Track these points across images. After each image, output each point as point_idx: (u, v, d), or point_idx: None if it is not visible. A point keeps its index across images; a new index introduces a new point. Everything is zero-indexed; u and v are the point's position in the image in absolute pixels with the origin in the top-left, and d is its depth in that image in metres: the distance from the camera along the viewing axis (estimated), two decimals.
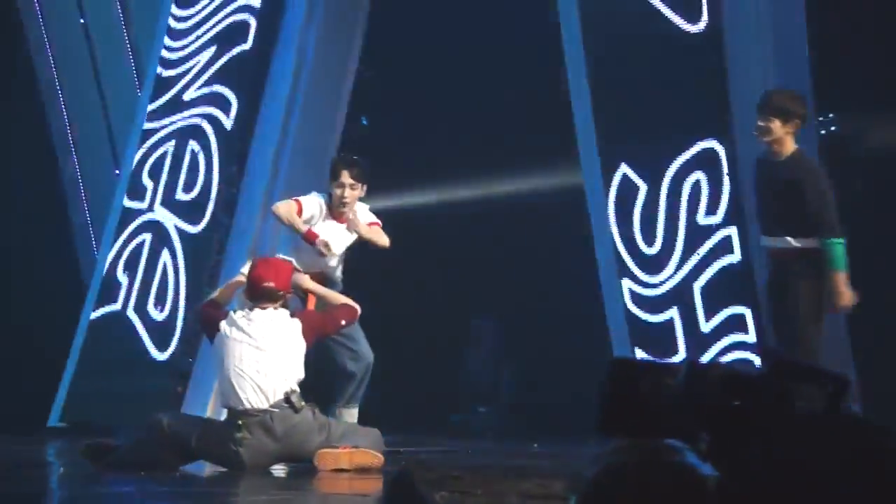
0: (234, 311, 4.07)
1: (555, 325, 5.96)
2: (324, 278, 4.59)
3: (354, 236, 4.63)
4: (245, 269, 4.19)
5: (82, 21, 5.75)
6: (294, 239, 4.66)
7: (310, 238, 4.54)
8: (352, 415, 4.56)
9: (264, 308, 4.01)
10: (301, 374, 4.01)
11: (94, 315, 5.53)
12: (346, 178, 4.56)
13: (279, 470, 3.97)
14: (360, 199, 4.66)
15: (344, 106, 5.92)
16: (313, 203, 4.62)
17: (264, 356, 3.92)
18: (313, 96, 5.72)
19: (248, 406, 3.89)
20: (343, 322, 4.27)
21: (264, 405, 3.88)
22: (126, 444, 4.09)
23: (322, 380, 4.55)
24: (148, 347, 5.48)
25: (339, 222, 4.62)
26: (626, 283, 4.98)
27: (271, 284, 4.01)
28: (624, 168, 5.03)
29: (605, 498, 1.20)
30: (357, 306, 4.33)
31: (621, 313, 4.97)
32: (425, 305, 6.11)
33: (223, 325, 4.01)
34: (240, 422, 3.87)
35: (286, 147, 5.67)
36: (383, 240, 4.64)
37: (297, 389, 3.96)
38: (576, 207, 5.32)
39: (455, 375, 6.25)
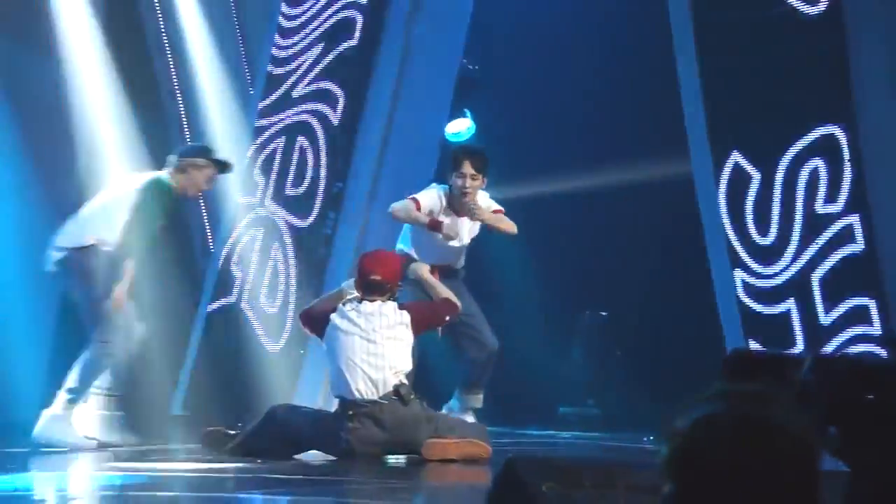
0: (345, 304, 4.18)
1: (664, 317, 5.92)
2: (449, 272, 4.68)
3: (477, 227, 4.68)
4: (346, 284, 4.29)
5: (197, 21, 5.99)
6: (417, 235, 4.76)
7: (434, 226, 4.62)
8: (477, 399, 4.63)
9: (373, 300, 4.11)
10: (409, 366, 4.10)
11: (210, 307, 5.71)
12: (467, 168, 4.62)
13: (389, 459, 4.05)
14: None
15: (448, 100, 6.00)
16: (432, 197, 4.71)
17: (375, 348, 4.03)
18: (418, 90, 5.80)
19: (358, 397, 4.00)
20: (447, 318, 4.35)
21: (374, 396, 3.99)
22: (242, 432, 4.24)
23: (427, 373, 4.65)
24: (261, 339, 5.63)
25: (459, 215, 4.69)
26: (739, 274, 4.89)
27: (378, 277, 4.11)
28: (736, 156, 4.95)
29: (698, 451, 1.10)
30: (459, 303, 4.40)
31: (734, 305, 4.88)
32: (533, 297, 6.15)
33: (334, 317, 4.14)
34: (350, 412, 3.98)
35: (391, 141, 5.76)
36: (509, 226, 4.67)
37: (406, 382, 4.05)
38: (685, 197, 5.28)
39: (563, 367, 6.27)
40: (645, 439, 5.02)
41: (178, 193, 4.85)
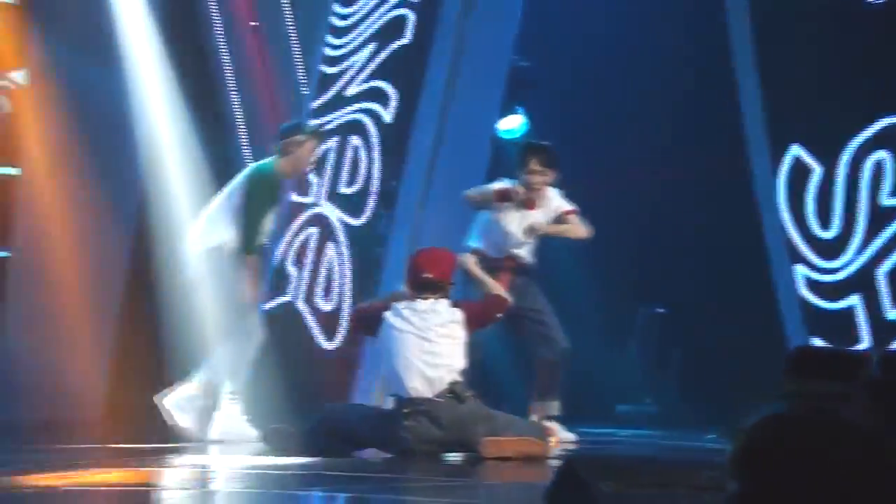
0: (399, 303, 4.18)
1: (722, 313, 5.83)
2: (517, 265, 4.66)
3: (547, 219, 4.61)
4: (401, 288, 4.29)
5: (253, 23, 6.05)
6: (486, 230, 4.75)
7: (503, 196, 4.58)
8: (552, 407, 4.59)
9: (426, 299, 4.12)
10: (464, 364, 4.07)
11: (268, 306, 5.70)
12: (534, 165, 4.63)
13: (447, 457, 4.04)
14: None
15: (500, 97, 5.96)
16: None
17: (430, 346, 4.02)
18: (470, 88, 5.78)
19: (414, 395, 4.00)
20: (498, 315, 4.33)
21: (430, 394, 3.98)
22: (302, 430, 4.27)
23: (486, 371, 4.63)
24: (317, 337, 5.65)
25: (529, 209, 4.68)
26: (801, 269, 4.81)
27: (430, 275, 4.11)
28: (796, 149, 4.86)
29: (765, 450, 1.10)
30: (508, 297, 4.37)
31: (795, 301, 4.80)
32: (591, 294, 6.10)
33: (388, 315, 4.13)
34: (406, 410, 3.96)
35: (443, 139, 5.75)
36: (577, 232, 4.63)
37: (461, 379, 4.04)
38: (744, 191, 5.18)
39: (620, 364, 6.21)
40: (705, 438, 4.94)
41: (287, 176, 4.87)
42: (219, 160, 5.33)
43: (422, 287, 4.14)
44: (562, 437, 4.57)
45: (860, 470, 1.07)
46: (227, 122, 6.17)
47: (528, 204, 4.64)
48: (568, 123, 6.28)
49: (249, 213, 4.63)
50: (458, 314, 4.11)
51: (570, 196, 5.01)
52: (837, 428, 1.09)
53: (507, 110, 6.33)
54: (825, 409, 1.12)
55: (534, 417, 4.57)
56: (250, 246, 4.66)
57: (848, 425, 1.10)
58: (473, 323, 4.17)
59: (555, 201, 4.70)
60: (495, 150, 5.93)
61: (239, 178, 4.87)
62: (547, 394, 4.56)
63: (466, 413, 3.97)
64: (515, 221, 4.71)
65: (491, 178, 5.23)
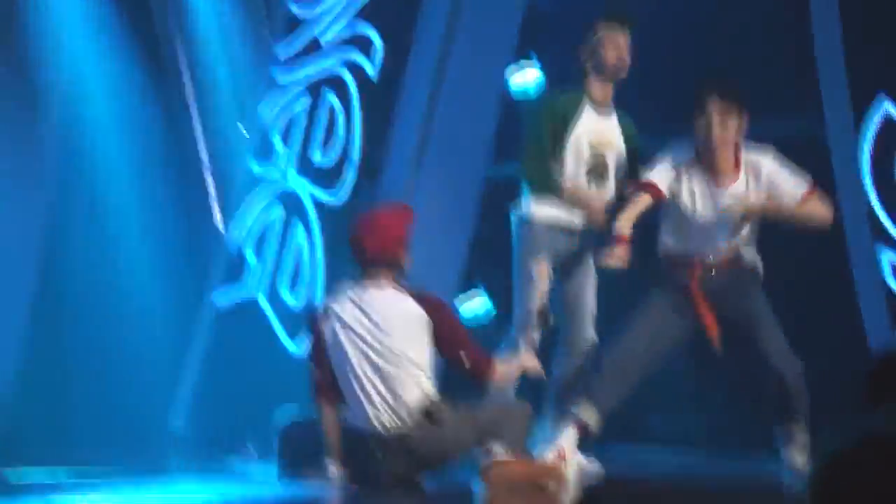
0: (346, 293, 3.52)
1: (788, 306, 4.98)
2: (734, 255, 3.54)
3: (759, 195, 3.47)
4: None
5: None
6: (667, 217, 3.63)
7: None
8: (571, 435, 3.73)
9: (370, 284, 3.43)
10: (430, 365, 3.38)
11: (220, 302, 5.30)
12: (714, 106, 3.45)
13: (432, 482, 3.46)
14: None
15: (512, 45, 5.35)
16: (663, 173, 3.52)
17: (384, 363, 3.36)
18: (473, 37, 5.19)
19: (380, 430, 3.38)
20: (466, 359, 3.43)
21: (397, 424, 3.36)
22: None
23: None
24: (282, 339, 5.19)
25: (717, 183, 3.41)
26: (888, 255, 4.29)
27: (369, 249, 3.42)
28: (885, 105, 4.31)
29: (854, 478, 1.00)
30: (506, 370, 3.46)
31: (880, 293, 4.26)
32: (623, 299, 5.31)
33: (332, 306, 3.53)
34: (374, 448, 3.37)
35: (440, 99, 5.15)
36: (821, 212, 3.53)
37: (431, 392, 3.31)
38: (816, 159, 4.40)
39: (653, 373, 5.42)
40: (763, 460, 4.16)
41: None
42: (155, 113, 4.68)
43: (361, 265, 3.35)
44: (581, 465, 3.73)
45: None
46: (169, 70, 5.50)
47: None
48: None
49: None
50: (414, 309, 3.28)
51: None
52: None
53: (520, 62, 5.60)
54: None
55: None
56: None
57: None
58: (444, 345, 3.34)
59: (771, 165, 3.49)
60: (505, 111, 5.25)
61: None
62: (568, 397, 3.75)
63: (447, 433, 3.25)
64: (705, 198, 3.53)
65: (499, 145, 4.49)
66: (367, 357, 3.33)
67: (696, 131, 3.60)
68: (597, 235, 3.70)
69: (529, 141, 3.69)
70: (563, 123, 3.65)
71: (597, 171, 3.70)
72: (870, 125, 4.31)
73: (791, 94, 4.87)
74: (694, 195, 3.61)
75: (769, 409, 3.67)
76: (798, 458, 3.55)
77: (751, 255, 3.72)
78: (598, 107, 3.74)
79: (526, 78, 5.67)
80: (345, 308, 3.37)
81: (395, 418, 3.32)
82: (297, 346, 5.15)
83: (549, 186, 3.63)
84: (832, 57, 4.38)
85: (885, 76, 4.31)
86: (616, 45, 3.77)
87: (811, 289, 4.93)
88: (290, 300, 5.22)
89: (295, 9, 5.46)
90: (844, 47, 4.32)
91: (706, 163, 3.59)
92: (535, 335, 3.63)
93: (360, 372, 3.34)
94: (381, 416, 3.32)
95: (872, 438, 1.02)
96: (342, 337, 3.35)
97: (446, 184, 5.13)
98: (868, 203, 4.31)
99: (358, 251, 3.41)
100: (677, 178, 3.61)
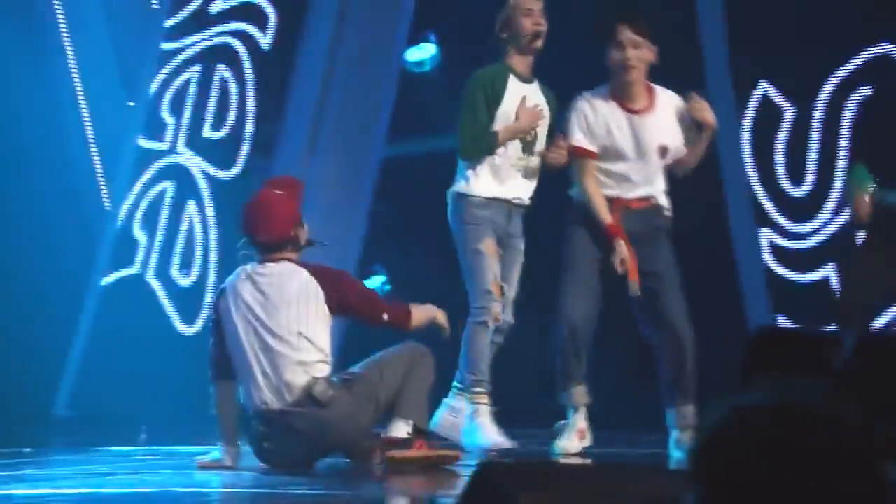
0: (244, 269, 3.41)
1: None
2: (652, 199, 3.50)
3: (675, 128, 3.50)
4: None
5: None
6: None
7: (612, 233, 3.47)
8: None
9: (267, 260, 3.35)
10: (328, 345, 3.33)
11: (105, 281, 5.14)
12: (626, 34, 3.49)
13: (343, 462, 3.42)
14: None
15: (408, 19, 5.30)
16: (580, 116, 3.55)
17: (273, 340, 3.29)
18: (370, 9, 5.16)
19: (263, 408, 3.31)
20: (386, 317, 3.45)
21: (281, 405, 3.29)
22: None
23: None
24: (172, 320, 5.07)
25: (626, 109, 3.48)
26: (766, 235, 4.50)
27: (263, 237, 3.33)
28: (764, 86, 4.49)
29: (732, 449, 1.02)
30: (416, 317, 3.47)
31: (759, 272, 4.47)
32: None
33: (227, 289, 3.43)
34: (259, 426, 3.31)
35: (336, 71, 5.11)
36: (701, 152, 3.50)
37: (323, 375, 3.29)
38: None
39: (540, 352, 5.54)
40: (648, 440, 4.32)
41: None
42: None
43: (256, 248, 3.35)
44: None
45: (849, 471, 1.00)
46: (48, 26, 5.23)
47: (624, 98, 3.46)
48: (488, 55, 5.49)
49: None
50: (310, 284, 3.28)
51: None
52: (819, 421, 1.02)
53: (417, 37, 5.61)
54: (803, 399, 1.04)
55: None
56: None
57: (831, 417, 1.03)
58: (349, 307, 3.35)
59: (675, 103, 3.54)
60: (403, 85, 5.22)
61: None
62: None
63: (337, 415, 3.25)
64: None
65: (396, 120, 4.46)
66: (258, 334, 3.31)
67: (611, 63, 3.54)
68: (525, 217, 3.71)
69: (465, 113, 3.65)
70: (493, 94, 3.67)
71: (526, 140, 3.74)
72: (750, 111, 4.46)
73: (678, 82, 5.01)
74: (612, 132, 3.54)
75: (661, 386, 3.72)
76: (686, 437, 3.58)
77: (666, 203, 3.66)
78: (522, 78, 3.76)
79: (422, 55, 5.69)
80: (244, 286, 3.34)
81: (277, 398, 3.30)
82: (188, 325, 5.06)
83: (489, 142, 3.62)
84: (716, 45, 4.52)
85: (766, 64, 4.46)
86: (530, 12, 3.76)
87: (691, 270, 5.08)
88: (180, 278, 5.13)
89: None
90: (728, 35, 4.47)
91: (622, 96, 3.56)
92: (498, 309, 3.66)
93: (248, 349, 3.33)
94: (263, 394, 3.30)
95: (740, 411, 1.03)
96: (236, 314, 3.33)
97: (344, 159, 5.09)
98: (748, 183, 4.47)
99: (251, 238, 3.38)
100: (597, 123, 3.58)
